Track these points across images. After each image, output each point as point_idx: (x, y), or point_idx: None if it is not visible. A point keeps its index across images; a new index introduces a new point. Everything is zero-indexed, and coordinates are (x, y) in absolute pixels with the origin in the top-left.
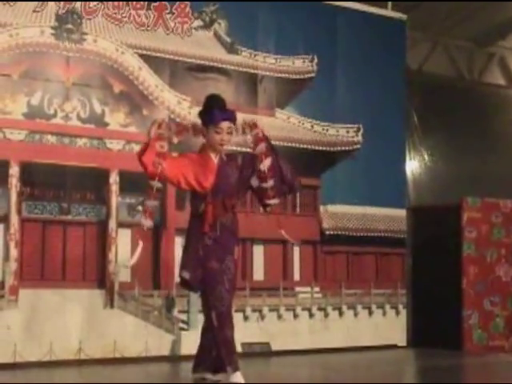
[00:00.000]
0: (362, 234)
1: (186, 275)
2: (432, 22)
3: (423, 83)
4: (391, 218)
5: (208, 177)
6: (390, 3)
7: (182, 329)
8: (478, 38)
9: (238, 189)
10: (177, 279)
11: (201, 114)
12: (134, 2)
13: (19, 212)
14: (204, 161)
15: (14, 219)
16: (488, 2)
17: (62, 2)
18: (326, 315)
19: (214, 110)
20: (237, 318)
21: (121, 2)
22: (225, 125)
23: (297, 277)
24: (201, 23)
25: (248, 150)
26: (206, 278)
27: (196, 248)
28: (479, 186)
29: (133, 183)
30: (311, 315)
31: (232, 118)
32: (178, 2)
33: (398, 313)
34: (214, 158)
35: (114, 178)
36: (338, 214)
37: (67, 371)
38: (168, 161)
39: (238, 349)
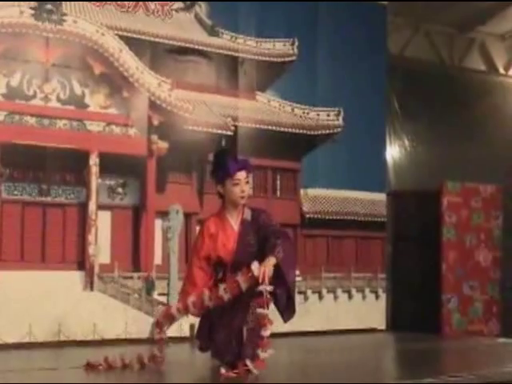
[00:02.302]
0: (342, 218)
1: (197, 343)
2: (413, 7)
3: (404, 68)
4: (371, 202)
5: (228, 248)
6: None
7: None
8: (459, 23)
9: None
10: (157, 262)
11: (213, 173)
12: None
13: None
14: (223, 229)
15: None
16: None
17: None
18: (306, 299)
19: (227, 162)
20: None
21: None
22: (242, 175)
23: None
24: (181, 5)
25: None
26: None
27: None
28: (459, 171)
29: (113, 165)
30: None
31: (247, 167)
32: None
33: (377, 297)
34: (234, 224)
35: (93, 160)
36: (319, 197)
37: (46, 353)
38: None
39: None
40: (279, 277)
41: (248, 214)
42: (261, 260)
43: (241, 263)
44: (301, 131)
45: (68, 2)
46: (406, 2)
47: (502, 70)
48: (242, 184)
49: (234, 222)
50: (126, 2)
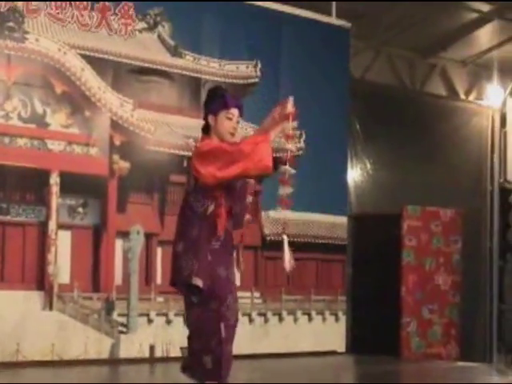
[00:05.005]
0: (303, 241)
1: (200, 283)
2: (375, 32)
3: (366, 92)
4: (332, 224)
5: None
6: (334, 11)
7: (122, 332)
8: (420, 48)
9: None
10: (117, 282)
11: (208, 102)
12: (78, 3)
13: None
14: None
15: None
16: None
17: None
18: (266, 321)
19: (225, 95)
20: (177, 320)
21: (64, 2)
22: (236, 112)
23: (237, 282)
24: (145, 25)
25: None
26: (215, 286)
27: (205, 252)
28: (420, 194)
29: (74, 184)
30: (251, 320)
31: (241, 107)
32: (122, 3)
33: (337, 319)
34: None
35: (54, 179)
36: (280, 219)
37: (4, 373)
38: None
39: (177, 353)
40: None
41: None
42: None
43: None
44: None
45: (30, 21)
46: (369, 25)
47: (462, 95)
48: (234, 121)
49: None
50: (88, 22)
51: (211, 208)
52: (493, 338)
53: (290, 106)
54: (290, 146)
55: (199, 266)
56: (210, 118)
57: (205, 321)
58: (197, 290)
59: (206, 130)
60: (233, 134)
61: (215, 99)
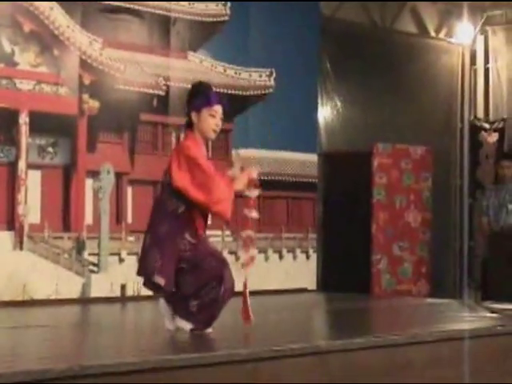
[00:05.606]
0: (273, 179)
1: (161, 282)
2: None
3: (336, 30)
4: (303, 162)
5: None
6: None
7: (93, 271)
8: None
9: None
10: (88, 222)
11: (191, 99)
12: None
13: None
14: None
15: None
16: None
17: None
18: (237, 259)
19: (209, 92)
20: None
21: None
22: (219, 108)
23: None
24: None
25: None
26: (215, 254)
27: (175, 246)
28: (390, 132)
29: (43, 124)
30: None
31: (225, 106)
32: None
33: (308, 257)
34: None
35: (23, 119)
36: (250, 158)
37: None
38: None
39: (148, 292)
40: None
41: None
42: None
43: None
44: (233, 91)
45: None
46: None
47: (432, 33)
48: (218, 118)
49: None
50: None
51: (182, 208)
52: (463, 274)
53: (254, 174)
54: (253, 214)
55: (162, 264)
56: (193, 115)
57: (203, 273)
58: (159, 288)
59: (189, 125)
60: (215, 132)
61: (198, 96)
